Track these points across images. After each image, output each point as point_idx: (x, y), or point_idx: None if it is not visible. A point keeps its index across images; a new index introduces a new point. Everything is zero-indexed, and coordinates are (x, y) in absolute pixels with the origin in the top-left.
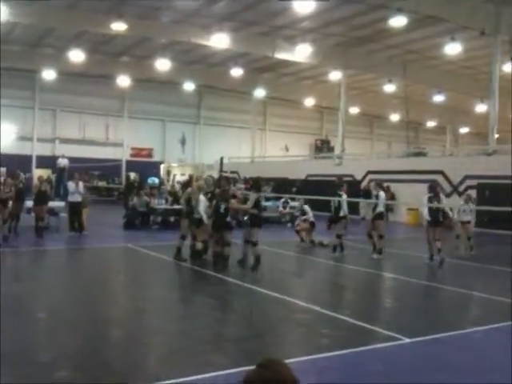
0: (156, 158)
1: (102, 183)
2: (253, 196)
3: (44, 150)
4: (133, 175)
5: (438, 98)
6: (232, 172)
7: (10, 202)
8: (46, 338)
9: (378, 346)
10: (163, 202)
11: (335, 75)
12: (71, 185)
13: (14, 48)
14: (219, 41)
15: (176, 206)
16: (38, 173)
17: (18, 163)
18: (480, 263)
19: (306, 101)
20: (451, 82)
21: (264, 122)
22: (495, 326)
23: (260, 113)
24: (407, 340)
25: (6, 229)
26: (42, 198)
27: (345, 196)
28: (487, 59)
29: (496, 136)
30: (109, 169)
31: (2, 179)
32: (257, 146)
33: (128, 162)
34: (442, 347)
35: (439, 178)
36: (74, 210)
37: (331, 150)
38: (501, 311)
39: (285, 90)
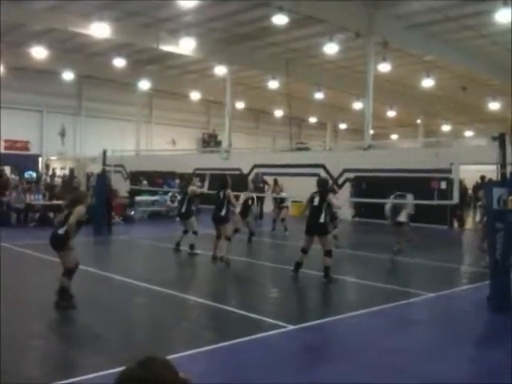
0: (33, 151)
1: None
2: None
3: None
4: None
5: (319, 96)
6: (117, 166)
7: None
8: None
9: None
10: (41, 197)
11: (220, 70)
12: None
13: None
14: (99, 30)
15: (55, 202)
16: None
17: None
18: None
19: (192, 94)
20: (331, 80)
21: (150, 114)
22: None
23: (145, 105)
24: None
25: None
26: None
27: None
28: (363, 59)
29: (371, 132)
30: None
31: None
32: (142, 140)
33: (1, 155)
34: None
35: (321, 172)
36: None
37: (218, 144)
38: (375, 295)
39: (170, 83)
